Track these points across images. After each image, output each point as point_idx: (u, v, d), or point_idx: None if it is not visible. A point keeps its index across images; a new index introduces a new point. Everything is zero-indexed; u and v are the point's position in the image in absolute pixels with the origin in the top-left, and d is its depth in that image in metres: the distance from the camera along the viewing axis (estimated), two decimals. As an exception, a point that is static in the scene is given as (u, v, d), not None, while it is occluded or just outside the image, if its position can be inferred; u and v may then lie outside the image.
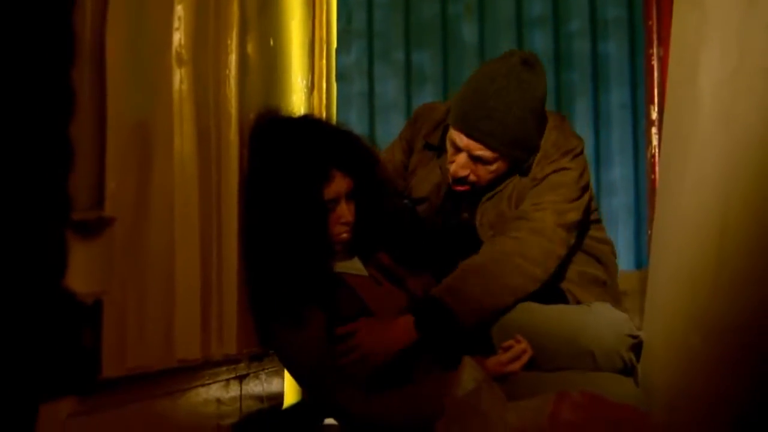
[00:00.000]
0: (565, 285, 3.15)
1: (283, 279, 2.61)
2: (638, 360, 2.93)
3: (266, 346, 2.75)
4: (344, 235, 2.73)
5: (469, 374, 1.96)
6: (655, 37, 4.83)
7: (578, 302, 3.13)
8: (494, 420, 1.81)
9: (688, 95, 2.44)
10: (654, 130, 4.83)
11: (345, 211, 2.70)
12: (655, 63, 4.82)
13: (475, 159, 3.06)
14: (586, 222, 3.21)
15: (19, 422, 1.53)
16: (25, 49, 1.56)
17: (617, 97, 6.68)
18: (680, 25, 2.68)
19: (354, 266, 2.88)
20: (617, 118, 6.67)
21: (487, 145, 3.03)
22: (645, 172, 5.35)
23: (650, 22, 4.91)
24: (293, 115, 2.89)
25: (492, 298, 2.93)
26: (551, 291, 3.11)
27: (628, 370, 2.92)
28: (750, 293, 1.94)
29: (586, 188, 3.15)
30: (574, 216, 3.08)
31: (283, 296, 2.63)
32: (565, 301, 3.13)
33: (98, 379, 1.65)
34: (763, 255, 1.89)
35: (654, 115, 4.83)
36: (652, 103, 4.86)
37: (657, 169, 4.56)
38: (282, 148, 2.67)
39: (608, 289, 3.23)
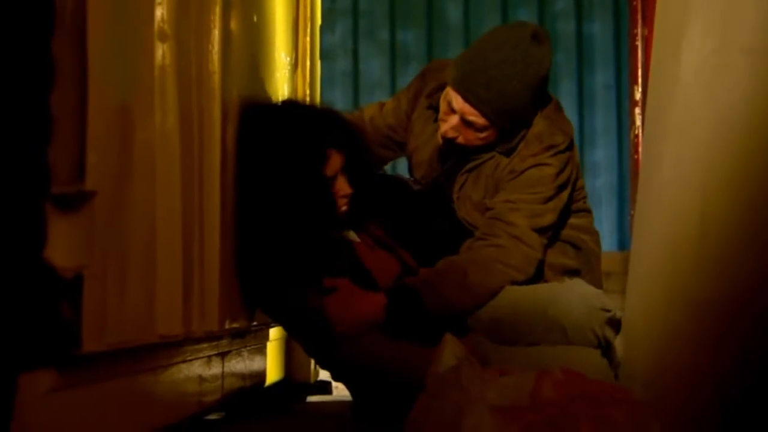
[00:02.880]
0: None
1: (304, 258, 2.79)
2: (615, 336, 2.94)
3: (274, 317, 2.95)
4: (344, 207, 2.88)
5: (450, 351, 1.97)
6: (639, 17, 4.82)
7: None
8: (474, 396, 1.81)
9: (671, 74, 2.44)
10: (638, 110, 4.83)
11: (343, 185, 2.86)
12: (639, 43, 4.81)
13: (467, 123, 3.06)
14: (566, 213, 3.21)
15: (-2, 397, 1.53)
16: (5, 20, 1.54)
17: (601, 77, 6.70)
18: (664, 4, 2.68)
19: (349, 236, 3.00)
20: (601, 99, 6.69)
21: (481, 112, 3.03)
22: (628, 153, 5.36)
23: (635, 2, 4.90)
24: (277, 101, 3.02)
25: (467, 299, 2.98)
26: None
27: (601, 346, 2.93)
28: (732, 270, 1.95)
29: (563, 186, 3.15)
30: (548, 219, 3.10)
31: (304, 275, 2.80)
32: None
33: (78, 354, 1.64)
34: (744, 232, 1.89)
35: (638, 96, 4.82)
36: (636, 83, 4.86)
37: (640, 149, 4.55)
38: (278, 137, 2.80)
39: (583, 278, 3.23)
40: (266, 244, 2.75)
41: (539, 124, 3.14)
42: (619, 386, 2.13)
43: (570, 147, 3.18)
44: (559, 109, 3.25)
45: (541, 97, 3.14)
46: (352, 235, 2.99)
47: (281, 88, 3.38)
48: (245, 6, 2.77)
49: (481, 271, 2.98)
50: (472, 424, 1.78)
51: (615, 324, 2.92)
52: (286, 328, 3.10)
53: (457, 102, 3.05)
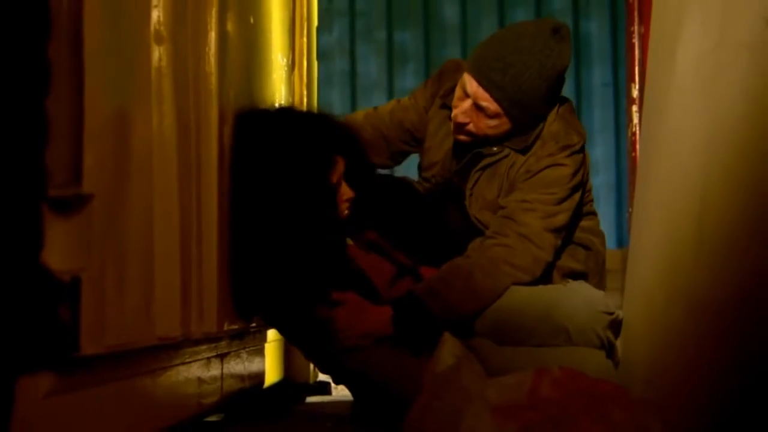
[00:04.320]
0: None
1: (312, 268, 2.75)
2: (617, 338, 2.94)
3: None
4: (347, 212, 2.85)
5: (449, 350, 1.96)
6: (636, 14, 4.82)
7: None
8: (474, 396, 1.81)
9: (668, 70, 2.44)
10: (635, 107, 4.82)
11: (347, 189, 2.83)
12: (636, 41, 4.81)
13: (479, 108, 3.05)
14: (577, 215, 3.20)
15: (-3, 400, 1.53)
16: (1, 23, 1.54)
17: (599, 75, 6.70)
18: (661, 1, 2.68)
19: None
20: (599, 97, 6.69)
21: (494, 97, 3.02)
22: (626, 151, 5.36)
23: (631, 0, 4.90)
24: (274, 107, 3.01)
25: (474, 304, 2.97)
26: None
27: (605, 348, 2.93)
28: (730, 268, 1.95)
29: (577, 188, 3.14)
30: (562, 219, 3.08)
31: (312, 285, 2.77)
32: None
33: (77, 357, 1.64)
34: (743, 229, 1.89)
35: (635, 93, 4.82)
36: (633, 81, 4.85)
37: (638, 147, 4.55)
38: (283, 144, 2.76)
39: (590, 281, 3.22)
40: (273, 253, 2.71)
41: (555, 124, 3.13)
42: (618, 385, 2.12)
43: (583, 148, 3.17)
44: (572, 110, 3.25)
45: (556, 94, 3.14)
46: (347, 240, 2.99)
47: (278, 89, 3.38)
48: (242, 7, 2.77)
49: (486, 275, 2.97)
50: (470, 423, 1.78)
51: (617, 326, 2.92)
52: (286, 335, 3.08)
53: (471, 85, 3.05)
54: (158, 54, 2.04)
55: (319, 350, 2.89)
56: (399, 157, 3.48)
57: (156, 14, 2.03)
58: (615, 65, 6.69)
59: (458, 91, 3.12)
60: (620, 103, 6.47)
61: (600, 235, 3.35)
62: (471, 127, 3.10)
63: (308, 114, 3.13)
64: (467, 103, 3.07)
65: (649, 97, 2.79)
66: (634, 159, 4.76)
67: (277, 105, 3.11)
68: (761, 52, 1.97)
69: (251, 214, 2.67)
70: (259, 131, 2.75)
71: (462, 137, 3.15)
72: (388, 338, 2.83)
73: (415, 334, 2.86)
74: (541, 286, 3.06)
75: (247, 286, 2.68)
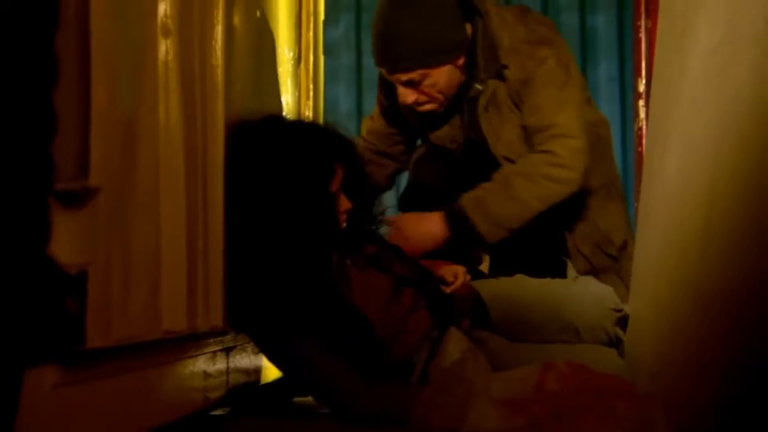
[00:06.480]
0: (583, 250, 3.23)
1: (306, 274, 2.65)
2: (624, 333, 2.94)
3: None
4: (344, 223, 2.78)
5: (455, 345, 1.97)
6: (643, 9, 4.81)
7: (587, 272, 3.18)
8: (479, 390, 1.81)
9: (676, 64, 2.44)
10: (641, 102, 4.82)
11: (345, 200, 2.75)
12: (642, 35, 4.80)
13: (408, 84, 3.10)
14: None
15: (3, 394, 1.53)
16: (8, 15, 1.54)
17: (605, 70, 6.68)
18: (668, -5, 2.68)
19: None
20: (605, 92, 6.67)
21: (403, 69, 3.07)
22: (633, 145, 5.36)
23: (638, -6, 4.90)
24: (273, 116, 2.91)
25: (519, 212, 3.07)
26: (552, 261, 3.18)
27: (613, 344, 2.93)
28: (738, 262, 1.94)
29: (568, 65, 3.22)
30: (573, 94, 3.17)
31: (306, 291, 2.65)
32: (563, 275, 3.18)
33: (83, 350, 1.64)
34: (750, 223, 1.89)
35: (641, 88, 4.81)
36: (640, 75, 4.85)
37: (644, 141, 4.55)
38: (285, 151, 2.68)
39: (618, 265, 3.32)
40: (269, 263, 2.62)
41: (519, 31, 3.21)
42: (623, 379, 2.13)
43: (553, 28, 3.28)
44: (524, 11, 3.34)
45: (457, 11, 3.17)
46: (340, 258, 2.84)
47: (285, 83, 3.38)
48: (248, 1, 2.77)
49: (527, 180, 3.06)
50: (477, 416, 1.79)
51: (624, 321, 2.93)
52: (271, 355, 2.85)
53: (388, 76, 3.11)
54: (165, 47, 2.04)
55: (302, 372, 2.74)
56: (403, 161, 3.54)
57: (163, 7, 2.03)
58: (621, 60, 6.67)
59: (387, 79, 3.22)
60: (626, 97, 6.45)
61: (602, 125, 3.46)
62: (422, 98, 3.16)
63: (307, 122, 3.07)
64: (399, 88, 3.13)
65: (656, 93, 2.79)
66: (640, 153, 4.75)
67: (274, 114, 3.00)
68: (768, 46, 1.96)
69: (249, 223, 2.60)
70: (258, 140, 2.68)
71: (428, 108, 3.18)
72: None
73: (464, 242, 3.02)
74: (551, 281, 3.07)
75: (241, 296, 2.59)
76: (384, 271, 2.87)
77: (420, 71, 3.08)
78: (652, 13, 4.58)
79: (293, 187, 2.64)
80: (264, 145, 2.67)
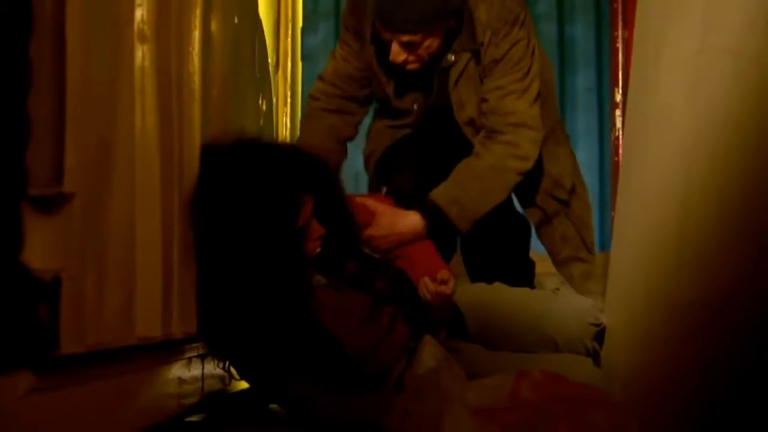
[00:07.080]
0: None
1: (275, 308, 2.57)
2: (602, 346, 2.95)
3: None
4: (318, 249, 2.71)
5: (429, 353, 1.97)
6: (620, 19, 4.84)
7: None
8: (454, 398, 1.81)
9: (651, 75, 2.45)
10: (618, 112, 4.85)
11: (317, 227, 2.68)
12: (620, 45, 4.83)
13: (407, 45, 3.16)
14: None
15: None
16: (-18, 22, 1.54)
17: (583, 80, 6.71)
18: (644, 6, 2.70)
19: (315, 281, 2.79)
20: (583, 102, 6.70)
21: (408, 31, 3.13)
22: (609, 155, 5.38)
23: (615, 5, 4.92)
24: (240, 141, 2.70)
25: (489, 203, 3.22)
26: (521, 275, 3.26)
27: (591, 356, 2.94)
28: (710, 271, 1.96)
29: (533, 51, 3.34)
30: (536, 86, 3.29)
31: (276, 324, 2.59)
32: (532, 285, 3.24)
33: (56, 356, 1.64)
34: (724, 232, 1.90)
35: (618, 98, 4.84)
36: (617, 85, 4.88)
37: (620, 151, 4.57)
38: (249, 187, 2.56)
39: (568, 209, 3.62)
40: (234, 294, 2.54)
41: (494, 7, 3.27)
42: (597, 389, 2.13)
43: (527, 12, 3.37)
44: None
45: None
46: (318, 280, 2.78)
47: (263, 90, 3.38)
48: (226, 7, 2.77)
49: (498, 174, 3.22)
50: (451, 425, 1.79)
51: (602, 334, 2.93)
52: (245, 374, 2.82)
53: (387, 34, 3.15)
54: (141, 53, 2.04)
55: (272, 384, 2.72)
56: (369, 102, 3.66)
57: (140, 13, 2.03)
58: (599, 70, 6.70)
59: (384, 38, 3.24)
60: (604, 107, 6.48)
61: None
62: (411, 58, 3.24)
63: (275, 149, 2.79)
64: (395, 46, 3.21)
65: (632, 102, 2.81)
66: (617, 163, 4.78)
67: (243, 140, 2.72)
68: (742, 58, 1.98)
69: (214, 257, 2.51)
70: (224, 173, 2.56)
71: (412, 67, 3.27)
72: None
73: (438, 236, 3.10)
74: (531, 292, 3.12)
75: (211, 313, 2.53)
76: (364, 290, 2.83)
77: (423, 34, 3.15)
78: (629, 23, 4.61)
79: (257, 227, 2.54)
80: (230, 181, 2.56)
